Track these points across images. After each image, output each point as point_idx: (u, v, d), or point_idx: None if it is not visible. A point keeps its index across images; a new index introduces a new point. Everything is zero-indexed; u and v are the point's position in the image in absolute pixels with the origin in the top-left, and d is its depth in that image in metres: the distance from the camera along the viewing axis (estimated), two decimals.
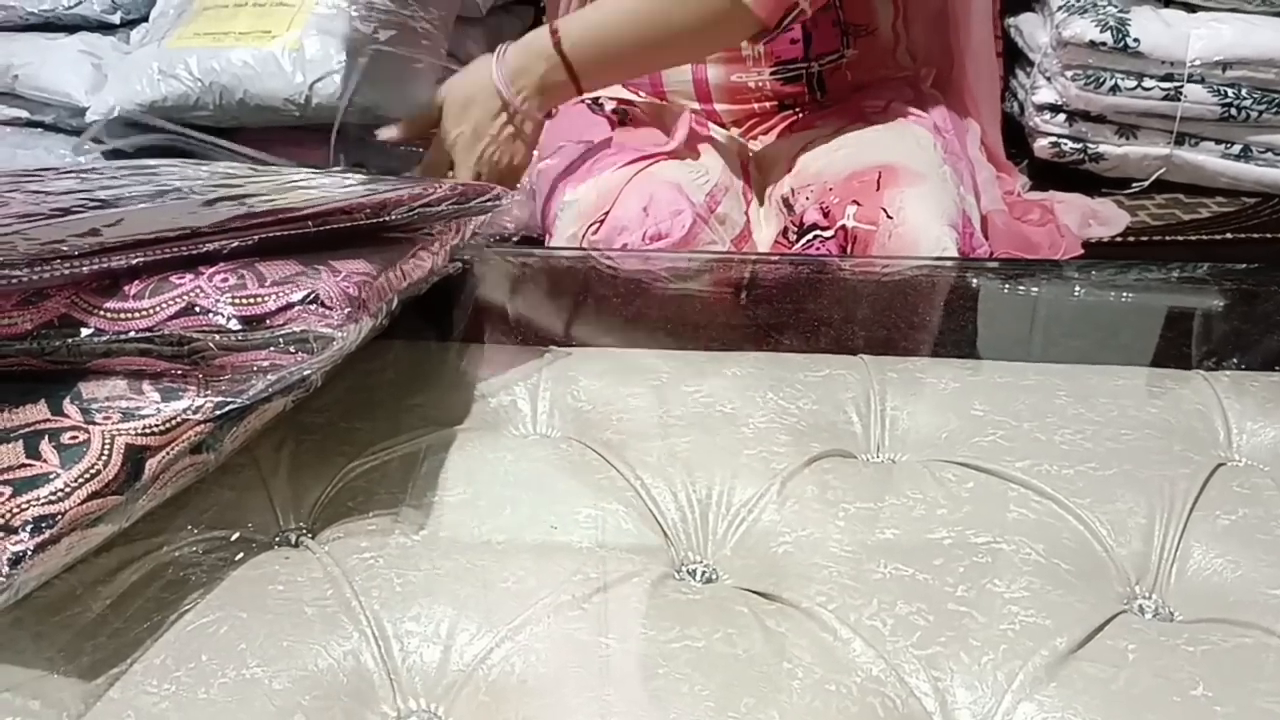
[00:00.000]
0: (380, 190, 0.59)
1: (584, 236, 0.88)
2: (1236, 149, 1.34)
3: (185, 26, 1.30)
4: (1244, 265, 0.85)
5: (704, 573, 0.52)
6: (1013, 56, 1.46)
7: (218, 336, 0.47)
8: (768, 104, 1.05)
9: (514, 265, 0.84)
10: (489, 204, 0.65)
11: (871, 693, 0.41)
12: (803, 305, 0.81)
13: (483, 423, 0.63)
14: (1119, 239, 1.18)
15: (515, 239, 1.02)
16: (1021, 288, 0.84)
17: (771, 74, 1.03)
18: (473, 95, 0.91)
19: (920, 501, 0.54)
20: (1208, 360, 0.71)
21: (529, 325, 0.77)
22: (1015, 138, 1.40)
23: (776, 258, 0.95)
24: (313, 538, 0.53)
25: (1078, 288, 0.85)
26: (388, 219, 0.58)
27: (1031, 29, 1.42)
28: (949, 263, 0.84)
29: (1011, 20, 1.46)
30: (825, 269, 0.86)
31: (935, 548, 0.50)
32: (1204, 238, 1.20)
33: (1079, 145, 1.35)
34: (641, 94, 1.09)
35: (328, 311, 0.48)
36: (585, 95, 1.08)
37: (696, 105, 1.06)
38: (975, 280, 0.83)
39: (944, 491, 0.55)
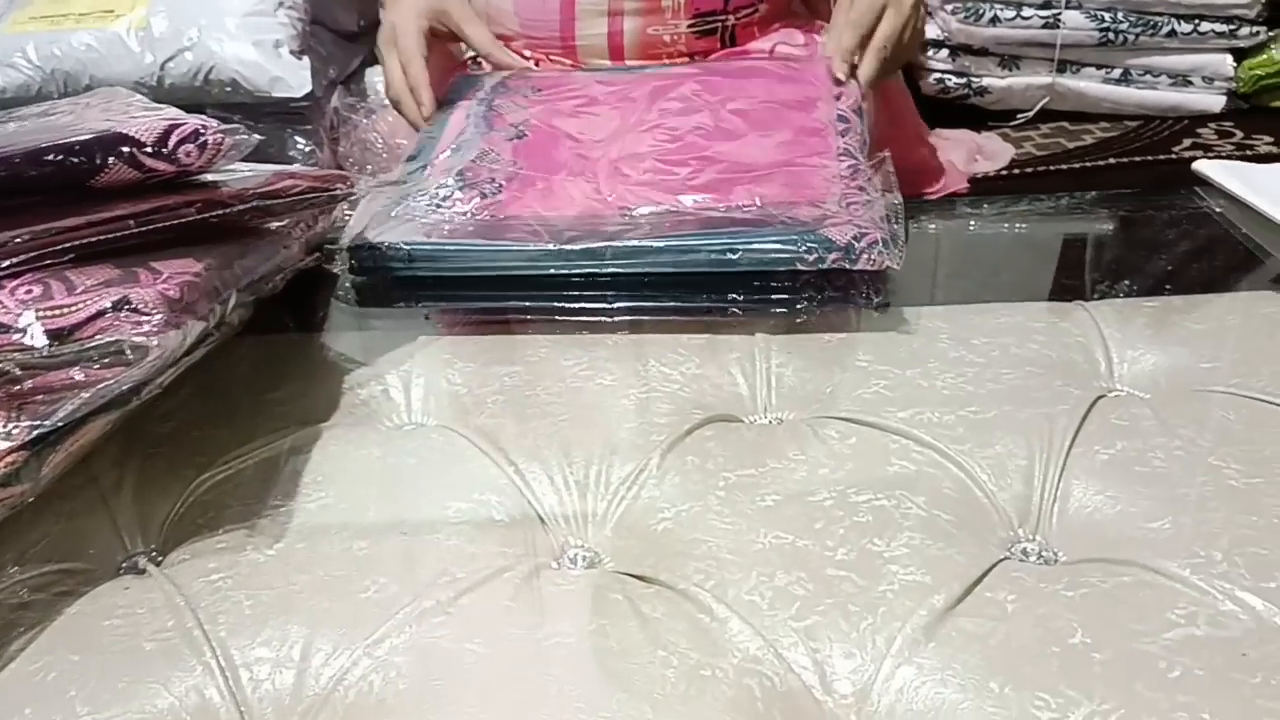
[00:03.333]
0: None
1: None
2: (1116, 73, 1.35)
3: (20, 10, 1.20)
4: (1121, 191, 0.86)
5: (585, 557, 0.49)
6: None
7: (20, 354, 0.43)
8: (678, 60, 1.03)
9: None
10: (338, 196, 0.60)
11: (749, 673, 0.40)
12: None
13: (351, 417, 0.60)
14: (1004, 172, 1.19)
15: None
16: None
17: (689, 26, 1.01)
18: None
19: (802, 463, 0.53)
20: (1094, 290, 0.71)
21: (400, 308, 0.73)
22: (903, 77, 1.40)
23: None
24: (164, 559, 0.49)
25: (962, 225, 0.84)
26: (222, 214, 0.54)
27: None
28: None
29: None
30: None
31: (816, 510, 0.49)
32: (1087, 165, 1.21)
33: (963, 80, 1.35)
34: (527, 53, 1.04)
35: (143, 318, 0.43)
36: (465, 54, 1.04)
37: (607, 61, 1.03)
38: None
39: (826, 450, 0.54)
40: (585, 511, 0.51)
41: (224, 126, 0.55)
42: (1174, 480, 0.50)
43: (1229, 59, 1.35)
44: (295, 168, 0.62)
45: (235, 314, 0.56)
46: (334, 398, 0.61)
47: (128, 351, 0.43)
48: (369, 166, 1.20)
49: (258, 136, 0.58)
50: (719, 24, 1.02)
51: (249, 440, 0.56)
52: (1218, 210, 0.80)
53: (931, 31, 1.34)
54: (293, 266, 0.63)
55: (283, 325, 0.67)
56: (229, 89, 1.13)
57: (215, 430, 0.57)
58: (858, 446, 0.54)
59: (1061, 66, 1.33)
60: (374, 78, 1.43)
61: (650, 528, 0.50)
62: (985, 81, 1.33)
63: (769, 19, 1.06)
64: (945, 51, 1.34)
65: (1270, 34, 1.35)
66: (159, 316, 0.44)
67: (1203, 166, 0.83)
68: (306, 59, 1.18)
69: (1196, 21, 1.31)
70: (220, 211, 0.54)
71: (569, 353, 0.64)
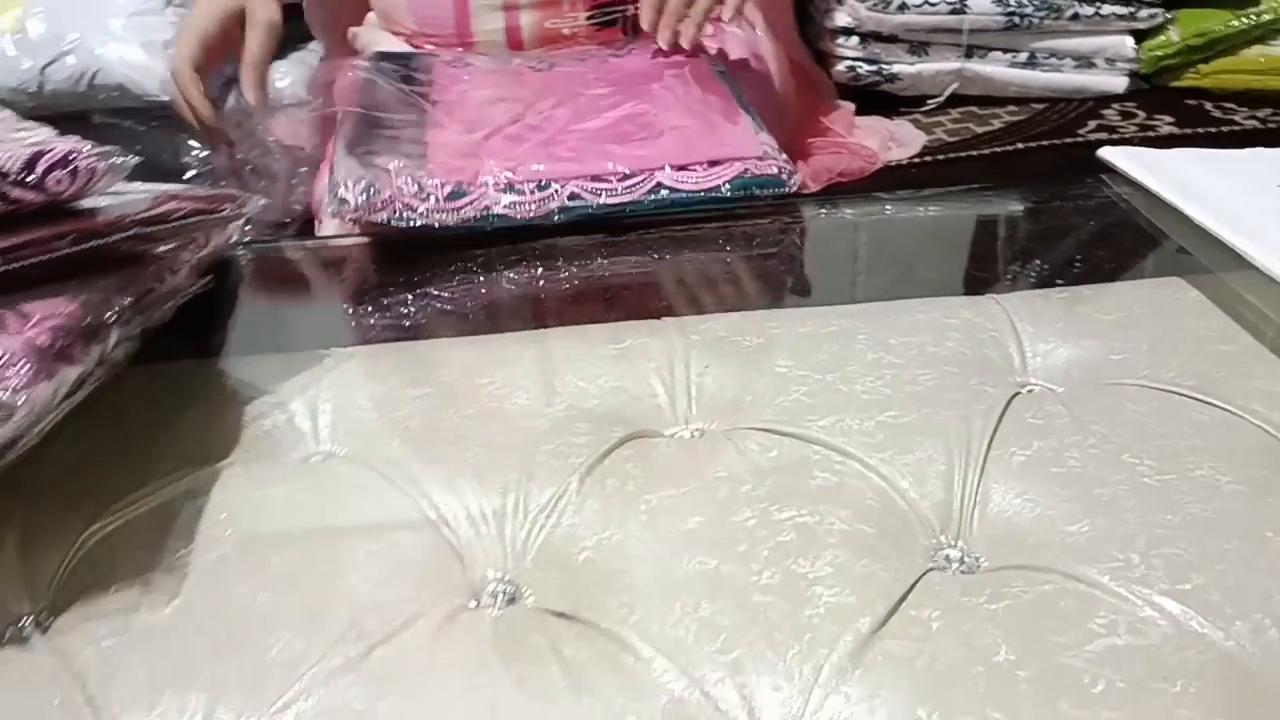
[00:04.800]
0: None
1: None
2: (1023, 57, 1.37)
3: None
4: (1029, 181, 0.87)
5: (505, 593, 0.47)
6: None
7: None
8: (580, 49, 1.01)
9: (281, 261, 0.76)
10: (227, 216, 0.57)
11: (675, 716, 0.39)
12: (602, 270, 0.77)
13: (254, 451, 0.57)
14: (916, 159, 1.19)
15: (291, 228, 0.94)
16: (819, 223, 0.83)
17: (587, 18, 0.99)
18: None
19: (724, 480, 0.52)
20: (1005, 282, 0.71)
21: (305, 328, 0.70)
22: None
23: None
24: (53, 622, 0.46)
25: (875, 219, 0.84)
26: (98, 245, 0.50)
27: None
28: (739, 209, 0.81)
29: None
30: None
31: (739, 531, 0.48)
32: (996, 150, 1.22)
33: (874, 67, 1.35)
34: (429, 47, 1.01)
35: (8, 372, 0.40)
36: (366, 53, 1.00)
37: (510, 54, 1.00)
38: (774, 223, 0.81)
39: (747, 465, 0.53)
40: (504, 543, 0.50)
41: (98, 150, 0.52)
42: (1089, 480, 0.50)
43: (1129, 40, 1.38)
44: (180, 188, 0.58)
45: (119, 349, 0.53)
46: (234, 431, 0.58)
47: None
48: (269, 169, 1.15)
49: (134, 159, 0.54)
50: (619, 14, 1.00)
51: (142, 485, 0.52)
52: (1123, 197, 0.81)
53: (841, 19, 1.34)
54: (183, 292, 0.59)
55: (176, 353, 0.64)
56: (116, 94, 1.07)
57: (104, 475, 0.53)
58: (779, 460, 0.53)
59: (969, 51, 1.34)
60: (272, 76, 1.37)
61: (571, 558, 0.48)
62: (895, 68, 1.34)
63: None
64: (855, 39, 1.34)
65: (1168, 16, 1.39)
66: (26, 369, 0.40)
67: (1108, 154, 0.84)
68: None
69: (1098, 5, 1.34)
70: (96, 242, 0.51)
71: (482, 370, 0.62)
